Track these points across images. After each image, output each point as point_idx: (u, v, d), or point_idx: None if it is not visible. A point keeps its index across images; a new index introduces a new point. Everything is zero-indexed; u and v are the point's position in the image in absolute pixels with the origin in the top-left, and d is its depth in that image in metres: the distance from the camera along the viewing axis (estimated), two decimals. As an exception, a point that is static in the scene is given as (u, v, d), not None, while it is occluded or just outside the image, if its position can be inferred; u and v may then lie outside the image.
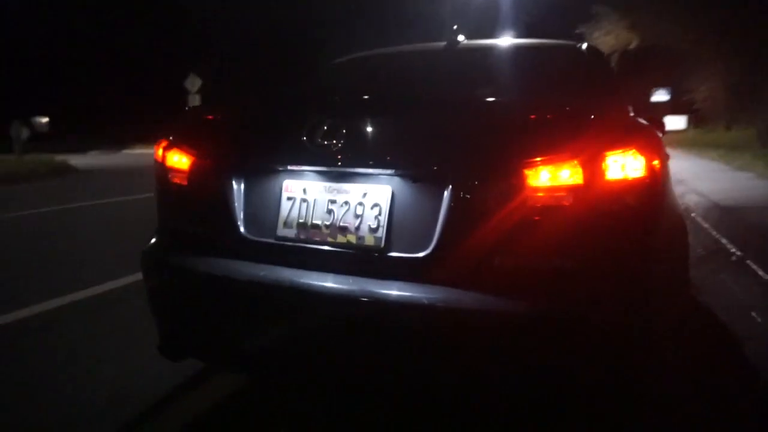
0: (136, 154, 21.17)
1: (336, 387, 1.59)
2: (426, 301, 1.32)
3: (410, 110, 1.52)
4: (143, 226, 2.16)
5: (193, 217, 1.73)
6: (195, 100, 23.92)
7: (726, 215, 5.60)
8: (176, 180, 1.76)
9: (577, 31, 25.25)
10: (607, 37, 24.63)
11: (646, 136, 1.44)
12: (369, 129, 1.47)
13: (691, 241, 2.06)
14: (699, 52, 22.93)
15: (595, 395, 1.31)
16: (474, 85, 1.89)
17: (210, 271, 1.61)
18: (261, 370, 1.71)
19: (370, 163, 1.45)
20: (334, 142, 1.47)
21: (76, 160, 15.74)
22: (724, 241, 4.83)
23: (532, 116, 1.40)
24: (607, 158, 1.28)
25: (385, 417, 1.95)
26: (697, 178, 8.45)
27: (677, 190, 2.51)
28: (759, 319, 3.02)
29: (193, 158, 1.71)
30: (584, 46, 2.24)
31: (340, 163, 1.49)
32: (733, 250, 4.50)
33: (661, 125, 2.37)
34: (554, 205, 1.28)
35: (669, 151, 1.90)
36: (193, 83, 23.82)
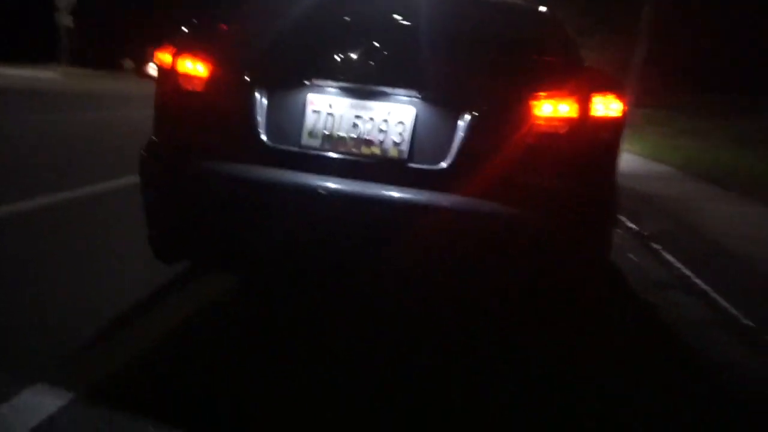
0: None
1: (350, 277, 1.80)
2: (444, 204, 1.59)
3: (436, 39, 1.73)
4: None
5: (209, 124, 1.79)
6: (66, 20, 21.31)
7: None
8: (189, 87, 1.81)
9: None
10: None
11: (619, 86, 1.78)
12: (398, 52, 1.67)
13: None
14: (583, 39, 24.99)
15: (570, 271, 1.67)
16: (466, 28, 2.12)
17: (232, 176, 1.72)
18: (275, 265, 1.87)
19: (398, 84, 1.65)
20: (364, 61, 1.65)
21: None
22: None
23: (539, 60, 1.69)
24: (594, 98, 1.62)
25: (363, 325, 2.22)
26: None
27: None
28: (634, 258, 3.73)
29: (211, 66, 1.78)
30: (545, 8, 2.56)
31: (368, 82, 1.67)
32: (610, 207, 5.30)
33: None
34: (553, 132, 1.60)
35: None
36: (65, -2, 21.13)
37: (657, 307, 2.85)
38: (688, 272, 3.41)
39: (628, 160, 8.51)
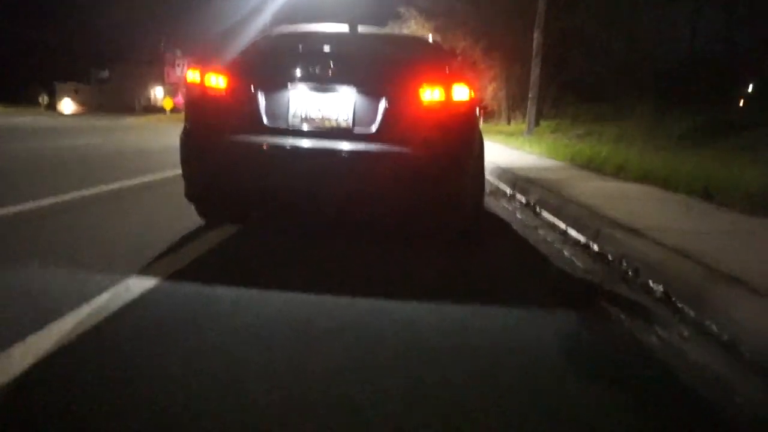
0: None
1: (323, 199, 2.95)
2: (374, 150, 2.79)
3: (364, 57, 2.96)
4: None
5: (230, 113, 2.91)
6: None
7: (504, 172, 7.94)
8: (213, 93, 2.93)
9: (387, 27, 28.27)
10: (412, 35, 27.91)
11: (470, 79, 3.06)
12: (342, 66, 2.87)
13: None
14: (486, 60, 27.54)
15: (449, 189, 2.91)
16: (381, 49, 3.39)
17: (247, 142, 2.85)
18: (275, 196, 2.98)
19: (344, 84, 2.85)
20: (322, 72, 2.84)
21: None
22: (502, 186, 7.09)
23: (423, 64, 2.95)
24: (453, 86, 2.88)
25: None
26: (486, 152, 11.08)
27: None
28: (520, 216, 5.10)
29: (228, 79, 2.91)
30: (430, 36, 3.89)
31: (325, 83, 2.86)
32: (507, 189, 6.73)
33: None
34: (432, 107, 2.84)
35: None
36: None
37: (528, 236, 4.18)
38: (553, 219, 4.79)
39: (527, 159, 10.14)
